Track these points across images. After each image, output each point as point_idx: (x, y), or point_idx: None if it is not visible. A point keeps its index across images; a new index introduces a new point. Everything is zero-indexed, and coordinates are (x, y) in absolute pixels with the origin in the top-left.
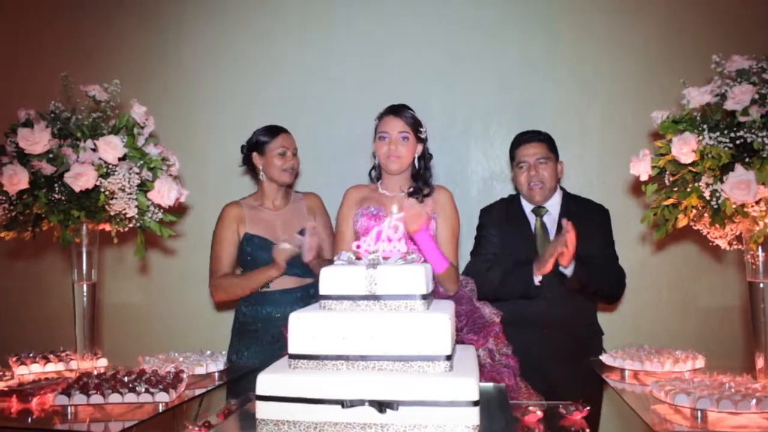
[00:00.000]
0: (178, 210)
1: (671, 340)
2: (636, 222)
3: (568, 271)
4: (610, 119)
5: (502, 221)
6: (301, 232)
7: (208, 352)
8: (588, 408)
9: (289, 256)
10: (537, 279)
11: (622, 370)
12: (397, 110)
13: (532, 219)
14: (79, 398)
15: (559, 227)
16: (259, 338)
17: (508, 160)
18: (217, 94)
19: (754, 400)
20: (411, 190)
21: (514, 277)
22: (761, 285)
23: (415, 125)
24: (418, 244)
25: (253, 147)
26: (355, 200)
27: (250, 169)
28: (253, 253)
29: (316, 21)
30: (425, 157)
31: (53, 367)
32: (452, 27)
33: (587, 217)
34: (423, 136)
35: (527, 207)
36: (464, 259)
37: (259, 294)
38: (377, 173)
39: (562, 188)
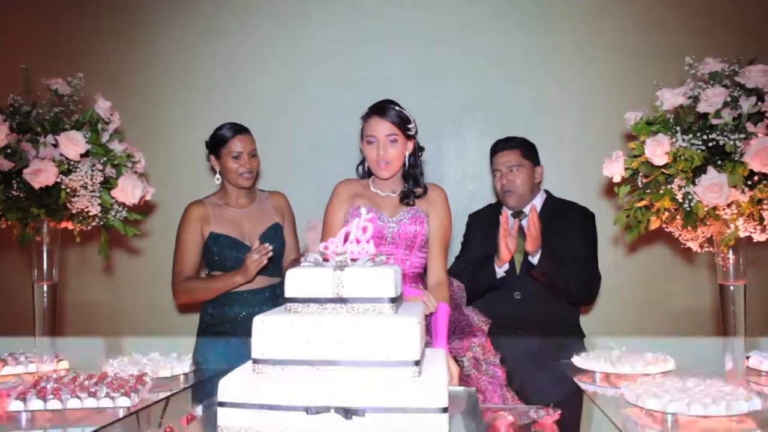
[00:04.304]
0: (144, 208)
1: (642, 341)
2: (609, 223)
3: (535, 259)
4: (584, 120)
5: (486, 225)
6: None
7: (174, 354)
8: (559, 412)
9: (261, 265)
10: (500, 270)
11: (593, 373)
12: (382, 110)
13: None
14: (35, 404)
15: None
16: (226, 340)
17: (480, 159)
18: (186, 89)
19: (724, 403)
20: (402, 194)
21: (480, 271)
22: (731, 287)
23: (403, 123)
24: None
25: (210, 148)
26: (346, 195)
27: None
28: (221, 252)
29: (289, 16)
30: (415, 152)
31: (11, 370)
32: (427, 26)
33: (568, 218)
34: (412, 132)
35: (509, 211)
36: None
37: (225, 294)
38: (367, 171)
39: (546, 191)
